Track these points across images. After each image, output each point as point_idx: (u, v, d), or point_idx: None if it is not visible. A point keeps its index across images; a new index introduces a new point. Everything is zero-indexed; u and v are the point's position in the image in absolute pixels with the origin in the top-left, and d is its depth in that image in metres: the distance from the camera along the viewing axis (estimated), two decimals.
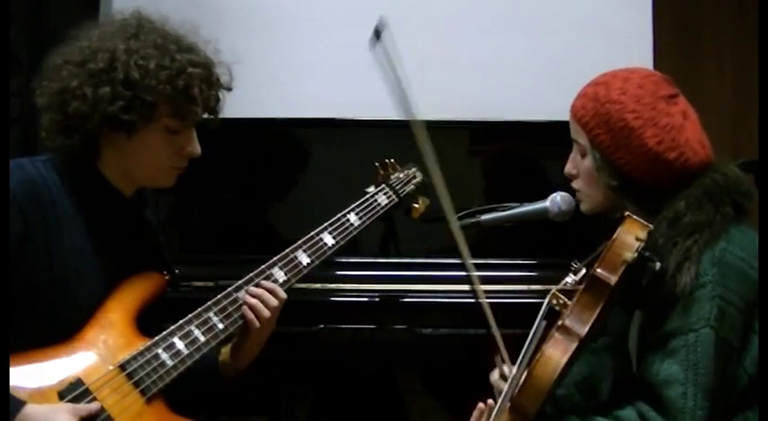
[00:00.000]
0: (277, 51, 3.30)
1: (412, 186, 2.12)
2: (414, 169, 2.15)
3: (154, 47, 1.68)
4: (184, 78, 1.68)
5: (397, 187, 2.07)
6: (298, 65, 3.31)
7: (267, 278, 1.79)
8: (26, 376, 1.55)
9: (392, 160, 2.14)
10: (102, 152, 1.71)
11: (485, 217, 1.97)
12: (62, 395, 1.55)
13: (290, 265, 1.82)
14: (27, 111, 3.01)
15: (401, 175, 2.11)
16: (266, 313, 1.75)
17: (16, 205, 1.58)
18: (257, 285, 1.77)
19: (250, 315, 1.75)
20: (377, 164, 2.12)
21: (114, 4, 3.31)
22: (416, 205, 2.14)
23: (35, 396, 1.53)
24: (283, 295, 1.79)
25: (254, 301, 1.76)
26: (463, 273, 2.55)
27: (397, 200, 2.06)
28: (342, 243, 1.89)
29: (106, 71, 1.65)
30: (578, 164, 1.76)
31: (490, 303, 2.50)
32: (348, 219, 1.92)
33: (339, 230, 1.90)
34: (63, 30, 3.06)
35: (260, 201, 2.83)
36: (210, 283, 2.41)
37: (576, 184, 1.78)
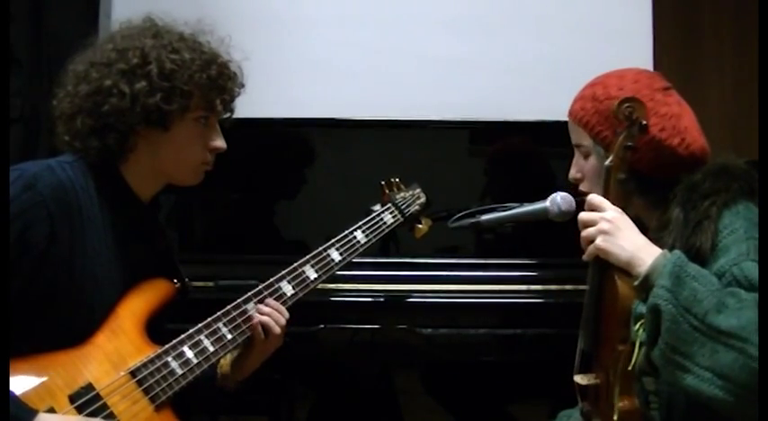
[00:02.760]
0: (278, 51, 3.30)
1: (417, 207, 2.16)
2: (418, 190, 2.20)
3: (180, 40, 1.72)
4: (215, 68, 1.73)
5: (403, 207, 2.12)
6: (298, 65, 3.32)
7: (275, 291, 1.81)
8: (37, 378, 1.55)
9: (397, 179, 2.17)
10: (130, 155, 1.71)
11: (485, 217, 1.97)
12: (73, 399, 1.55)
13: (298, 280, 1.84)
14: (27, 112, 3.02)
15: (407, 195, 2.16)
16: (277, 330, 1.78)
17: (45, 209, 1.58)
18: (267, 304, 1.79)
19: (259, 329, 1.77)
20: (382, 182, 2.15)
21: (114, 4, 3.31)
22: (420, 225, 2.19)
23: (46, 398, 1.53)
24: (287, 314, 1.81)
25: (265, 319, 1.78)
26: (464, 273, 2.56)
27: (402, 219, 2.11)
28: (348, 259, 1.93)
29: (140, 66, 1.67)
30: (582, 167, 1.77)
31: (491, 303, 2.52)
32: (355, 237, 1.96)
33: (346, 247, 1.93)
34: (63, 30, 3.10)
35: (260, 201, 2.83)
36: (210, 283, 2.41)
37: (584, 188, 1.78)
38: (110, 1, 3.33)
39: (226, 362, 1.84)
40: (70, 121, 1.70)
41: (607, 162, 1.63)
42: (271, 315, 1.78)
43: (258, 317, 1.77)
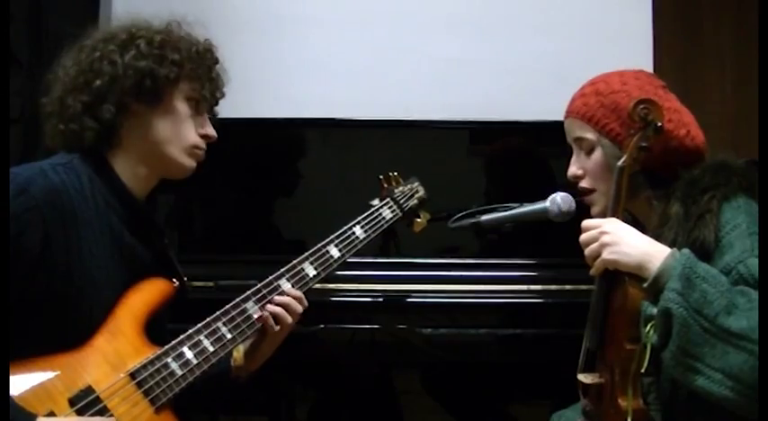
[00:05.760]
0: (277, 51, 3.30)
1: (415, 201, 2.14)
2: (417, 184, 2.18)
3: (167, 25, 1.78)
4: (202, 46, 1.78)
5: (402, 201, 2.10)
6: (298, 65, 3.32)
7: (275, 289, 1.80)
8: (37, 382, 1.54)
9: (395, 173, 2.15)
10: (123, 135, 1.71)
11: (485, 217, 1.97)
12: (73, 402, 1.54)
13: (297, 277, 1.84)
14: (27, 112, 3.02)
15: (405, 190, 2.14)
16: (288, 320, 1.78)
17: (38, 213, 1.57)
18: (286, 292, 1.80)
19: (270, 321, 1.77)
20: (380, 177, 2.14)
21: (114, 4, 3.31)
22: (419, 219, 2.17)
23: (46, 402, 1.52)
24: (305, 303, 1.82)
25: (278, 310, 1.78)
26: (464, 273, 2.56)
27: (401, 214, 2.09)
28: (347, 255, 1.91)
29: (130, 40, 1.72)
30: (584, 163, 1.77)
31: (491, 303, 2.52)
32: (354, 233, 1.94)
33: (345, 243, 1.92)
34: (63, 30, 3.09)
35: (260, 202, 2.83)
36: (210, 283, 2.41)
37: (585, 184, 1.78)
38: (110, 1, 3.33)
39: (239, 353, 1.84)
40: (61, 107, 1.71)
41: (620, 162, 1.64)
42: (288, 305, 1.78)
43: (271, 308, 1.77)
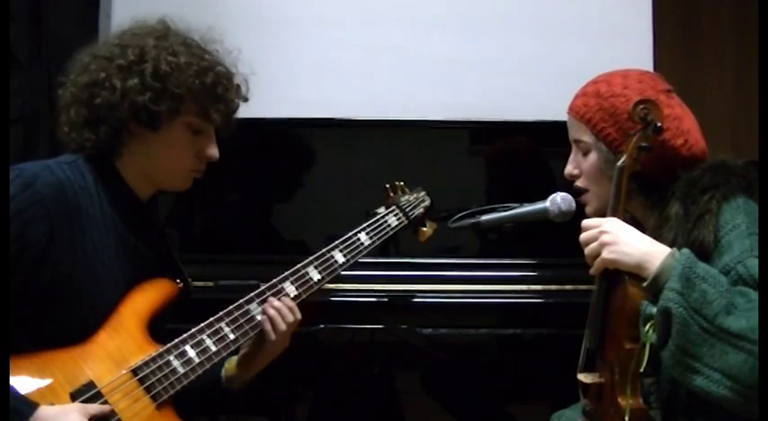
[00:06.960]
0: (277, 51, 3.30)
1: (421, 209, 2.15)
2: (423, 193, 2.19)
3: (183, 45, 1.73)
4: (212, 76, 1.72)
5: (408, 210, 2.10)
6: (298, 65, 3.32)
7: (278, 292, 1.81)
8: (39, 375, 1.56)
9: (401, 183, 2.16)
10: (124, 150, 1.72)
11: (485, 217, 1.97)
12: (74, 396, 1.56)
13: (301, 281, 1.84)
14: (27, 112, 3.02)
15: (411, 198, 2.15)
16: (282, 327, 1.77)
17: (44, 207, 1.58)
18: (276, 301, 1.79)
19: (268, 326, 1.77)
20: (387, 185, 2.15)
21: (114, 4, 3.31)
22: (424, 229, 2.17)
23: (47, 395, 1.53)
24: (299, 315, 1.81)
25: (273, 313, 1.77)
26: (464, 273, 2.56)
27: (406, 222, 2.09)
28: (352, 261, 1.92)
29: (136, 63, 1.69)
30: (581, 163, 1.77)
31: (491, 303, 2.52)
32: (359, 239, 1.94)
33: (350, 249, 1.92)
34: (63, 30, 3.10)
35: (260, 202, 2.83)
36: (210, 283, 2.41)
37: (580, 184, 1.78)
38: (110, 1, 3.33)
39: (231, 365, 1.85)
40: (68, 112, 1.72)
41: (620, 163, 1.64)
42: (280, 310, 1.78)
43: (268, 311, 1.77)
